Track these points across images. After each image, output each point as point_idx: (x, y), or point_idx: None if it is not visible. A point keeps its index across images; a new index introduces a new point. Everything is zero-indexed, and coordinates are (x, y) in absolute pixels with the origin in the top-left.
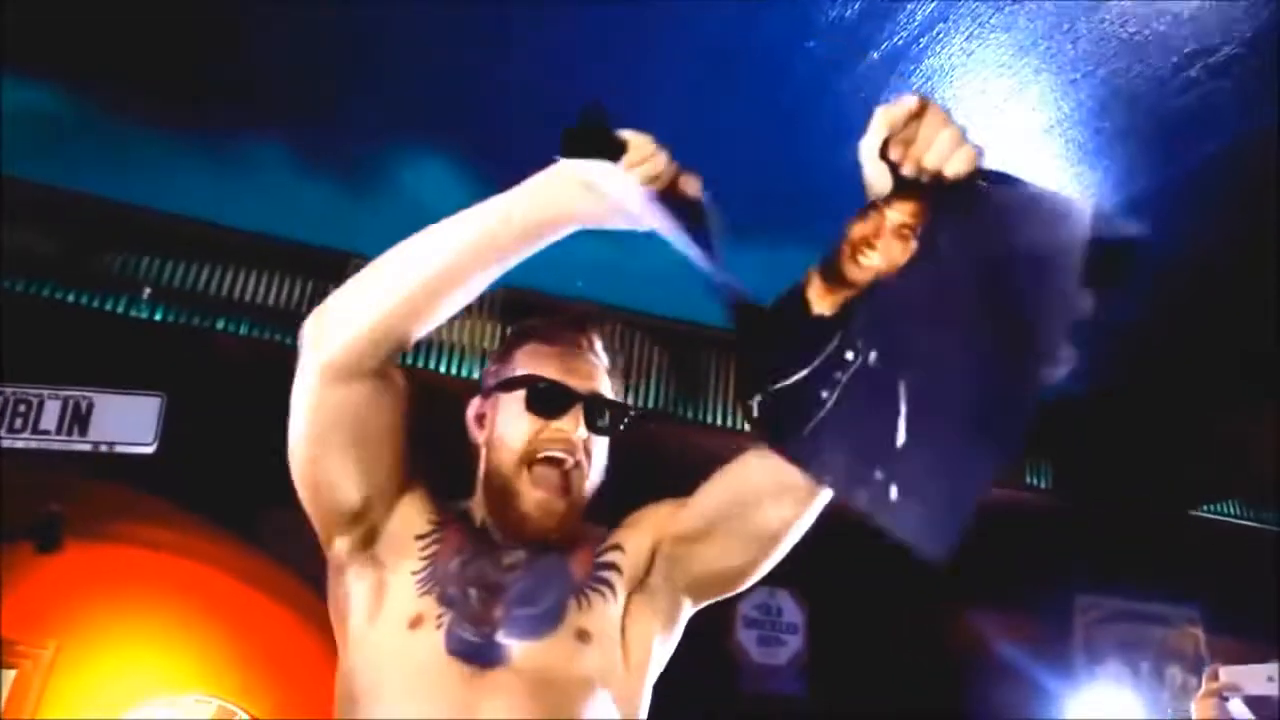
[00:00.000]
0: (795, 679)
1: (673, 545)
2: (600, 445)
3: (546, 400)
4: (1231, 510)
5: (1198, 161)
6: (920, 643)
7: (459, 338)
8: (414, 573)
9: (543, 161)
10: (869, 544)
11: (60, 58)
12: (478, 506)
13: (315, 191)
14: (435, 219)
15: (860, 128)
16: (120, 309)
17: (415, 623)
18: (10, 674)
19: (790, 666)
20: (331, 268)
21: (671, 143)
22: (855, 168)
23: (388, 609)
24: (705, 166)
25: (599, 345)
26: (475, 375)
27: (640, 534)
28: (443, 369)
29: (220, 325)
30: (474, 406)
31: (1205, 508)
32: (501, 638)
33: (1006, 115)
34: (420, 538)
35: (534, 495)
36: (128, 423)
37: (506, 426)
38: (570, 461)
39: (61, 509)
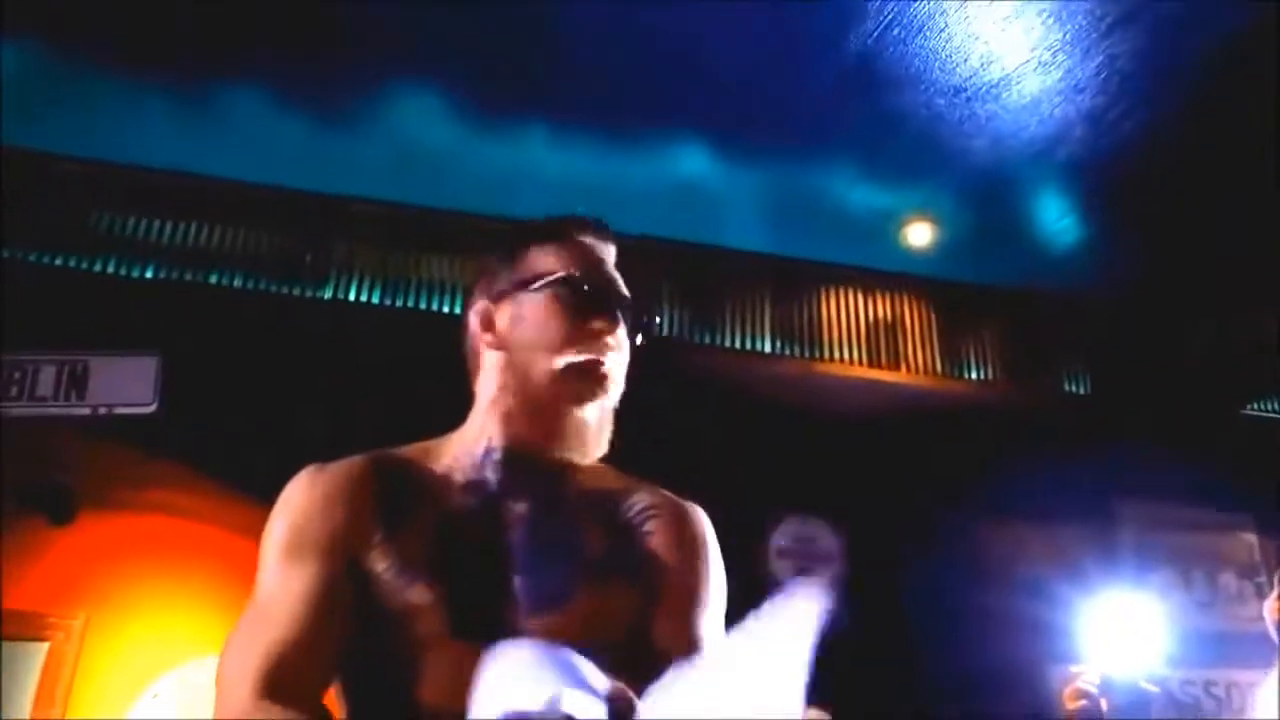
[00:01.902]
0: (835, 609)
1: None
2: (626, 351)
3: (584, 298)
4: None
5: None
6: (963, 560)
7: (448, 274)
8: (385, 569)
9: (530, 94)
10: (900, 467)
11: (15, 8)
12: (481, 429)
13: (298, 134)
14: (424, 155)
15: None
16: (108, 269)
17: (406, 618)
18: (43, 647)
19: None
20: (322, 212)
21: (663, 59)
22: (851, 70)
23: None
24: (702, 80)
25: (613, 250)
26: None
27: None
28: (432, 307)
29: (213, 279)
30: (480, 310)
31: (1254, 406)
32: (505, 610)
33: None
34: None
35: (567, 402)
36: (126, 384)
37: (537, 328)
38: (606, 366)
39: (70, 479)
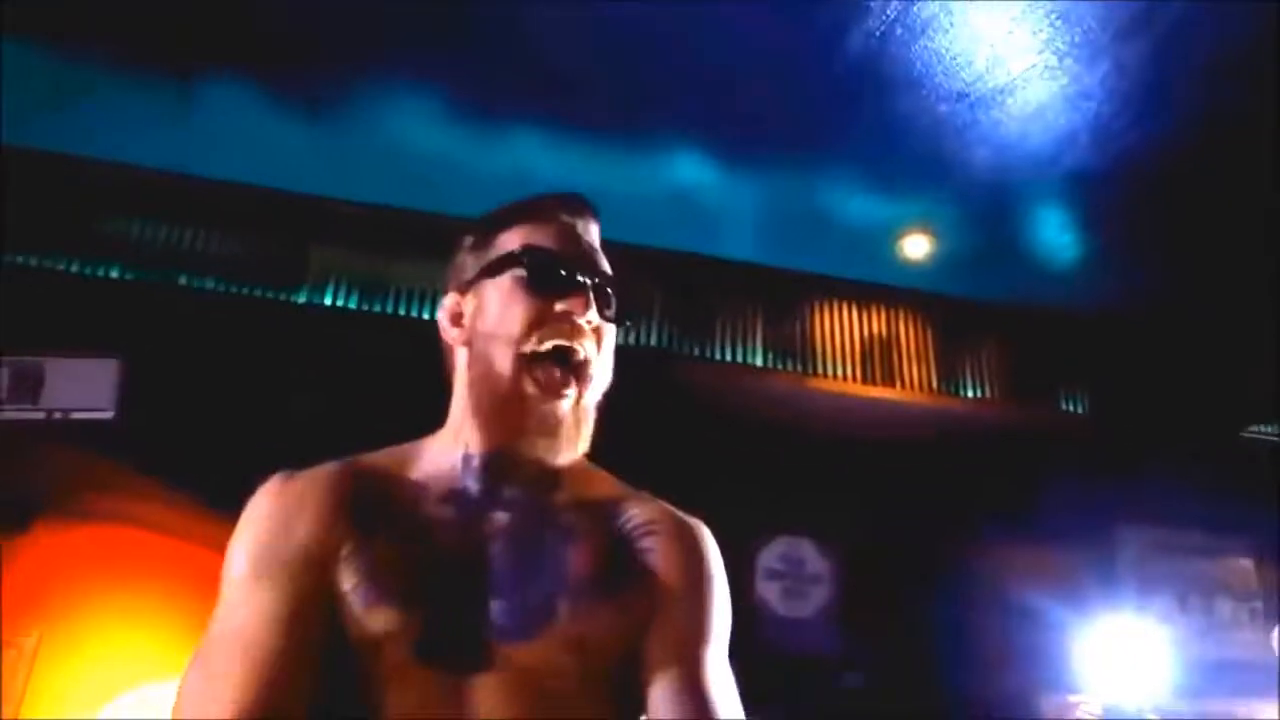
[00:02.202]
0: (825, 633)
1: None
2: (608, 338)
3: (549, 276)
4: None
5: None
6: (956, 585)
7: (429, 279)
8: (353, 589)
9: (525, 95)
10: (893, 487)
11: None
12: (456, 432)
13: (283, 133)
14: (414, 158)
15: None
16: (71, 268)
17: (375, 642)
18: None
19: (818, 619)
20: (297, 212)
21: (656, 64)
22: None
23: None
24: (695, 84)
25: (595, 228)
26: None
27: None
28: (412, 313)
29: (182, 280)
30: (448, 304)
31: (1254, 429)
32: (481, 632)
33: None
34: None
35: (536, 396)
36: (83, 388)
37: (499, 313)
38: (579, 354)
39: (26, 488)
